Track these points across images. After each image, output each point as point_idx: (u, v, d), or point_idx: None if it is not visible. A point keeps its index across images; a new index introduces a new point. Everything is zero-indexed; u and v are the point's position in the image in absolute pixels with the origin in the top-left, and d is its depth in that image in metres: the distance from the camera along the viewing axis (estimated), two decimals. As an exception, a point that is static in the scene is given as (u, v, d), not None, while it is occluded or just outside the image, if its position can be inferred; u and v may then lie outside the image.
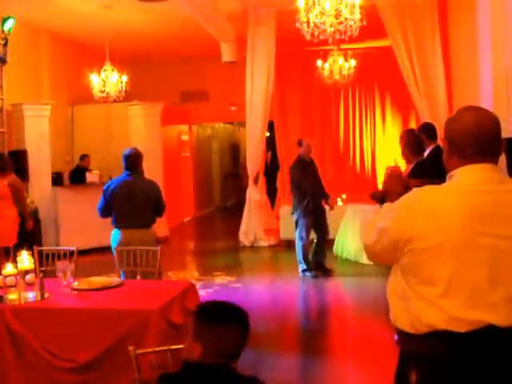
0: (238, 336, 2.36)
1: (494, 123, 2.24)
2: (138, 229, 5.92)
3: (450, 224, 2.13)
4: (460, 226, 2.12)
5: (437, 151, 5.95)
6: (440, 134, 6.44)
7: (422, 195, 2.27)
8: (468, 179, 2.22)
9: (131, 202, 5.95)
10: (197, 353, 2.29)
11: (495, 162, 2.26)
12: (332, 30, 7.30)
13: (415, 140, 6.16)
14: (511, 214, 2.16)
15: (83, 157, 12.31)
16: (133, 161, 6.06)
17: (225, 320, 2.36)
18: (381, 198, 7.10)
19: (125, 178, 6.09)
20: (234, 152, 22.24)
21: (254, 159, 11.84)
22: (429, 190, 2.28)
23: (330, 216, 9.89)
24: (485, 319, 2.09)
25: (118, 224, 6.05)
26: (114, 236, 6.05)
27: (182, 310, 4.17)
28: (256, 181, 12.11)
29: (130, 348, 2.84)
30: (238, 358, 2.38)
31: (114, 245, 5.89)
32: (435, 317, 2.12)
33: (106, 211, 6.11)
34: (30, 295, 4.13)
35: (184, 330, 4.08)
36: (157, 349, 2.95)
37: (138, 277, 5.51)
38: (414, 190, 2.29)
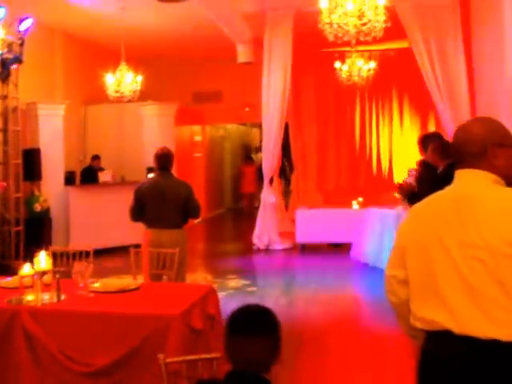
0: (265, 347, 2.26)
1: (464, 133, 2.31)
2: (168, 229, 5.87)
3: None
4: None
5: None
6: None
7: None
8: (458, 184, 2.28)
9: (161, 203, 5.89)
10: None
11: (475, 167, 2.24)
12: (355, 31, 7.18)
13: (441, 144, 6.06)
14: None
15: (95, 157, 12.26)
16: (163, 161, 6.02)
17: (250, 332, 2.25)
18: (409, 193, 6.95)
19: (155, 178, 6.09)
20: (247, 153, 22.12)
21: (269, 161, 11.70)
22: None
23: (347, 220, 9.75)
24: None
25: (148, 224, 6.01)
26: (144, 236, 6.02)
27: (202, 315, 4.04)
28: (271, 182, 11.96)
29: (160, 356, 2.72)
30: (267, 369, 2.29)
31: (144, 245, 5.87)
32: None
33: (137, 213, 6.03)
34: (46, 296, 4.03)
35: (203, 334, 3.97)
36: (187, 358, 2.81)
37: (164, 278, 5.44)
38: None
